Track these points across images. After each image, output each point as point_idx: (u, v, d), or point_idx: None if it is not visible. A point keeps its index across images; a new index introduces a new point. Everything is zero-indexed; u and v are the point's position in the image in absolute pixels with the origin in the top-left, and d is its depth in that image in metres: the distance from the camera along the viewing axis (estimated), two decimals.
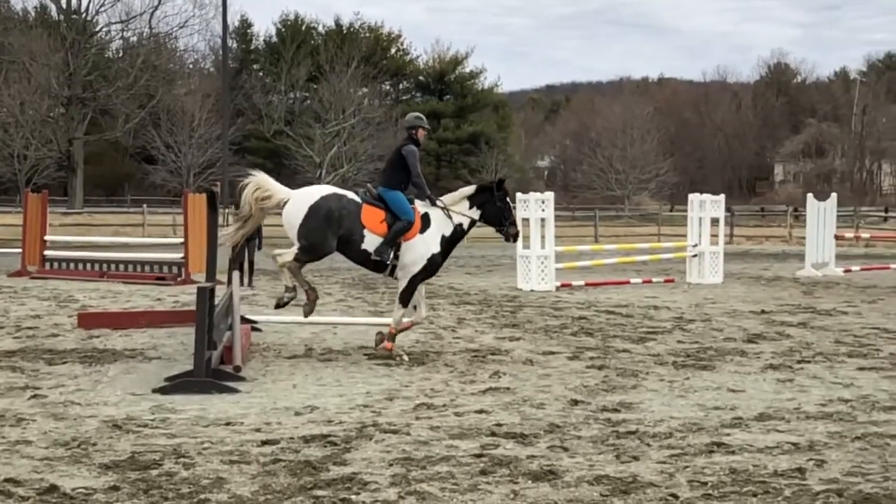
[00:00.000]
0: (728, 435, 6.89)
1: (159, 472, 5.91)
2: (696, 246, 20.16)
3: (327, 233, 10.01)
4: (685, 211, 21.32)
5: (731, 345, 11.21)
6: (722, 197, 21.49)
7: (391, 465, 6.07)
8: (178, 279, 19.08)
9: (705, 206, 20.47)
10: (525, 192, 19.87)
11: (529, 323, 13.21)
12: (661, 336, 11.89)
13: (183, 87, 63.22)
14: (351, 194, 10.45)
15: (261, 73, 72.32)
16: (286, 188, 10.49)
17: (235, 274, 10.25)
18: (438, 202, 10.60)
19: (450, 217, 10.52)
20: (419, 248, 10.34)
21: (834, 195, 23.92)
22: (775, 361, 10.01)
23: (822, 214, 22.61)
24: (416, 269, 10.37)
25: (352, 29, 75.71)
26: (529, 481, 5.75)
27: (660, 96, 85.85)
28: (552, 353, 10.61)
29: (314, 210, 10.00)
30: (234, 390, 8.43)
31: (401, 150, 10.62)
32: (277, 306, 10.44)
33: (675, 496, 5.47)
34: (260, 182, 10.29)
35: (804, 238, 23.74)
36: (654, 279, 20.10)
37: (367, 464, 6.10)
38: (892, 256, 29.83)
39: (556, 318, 13.67)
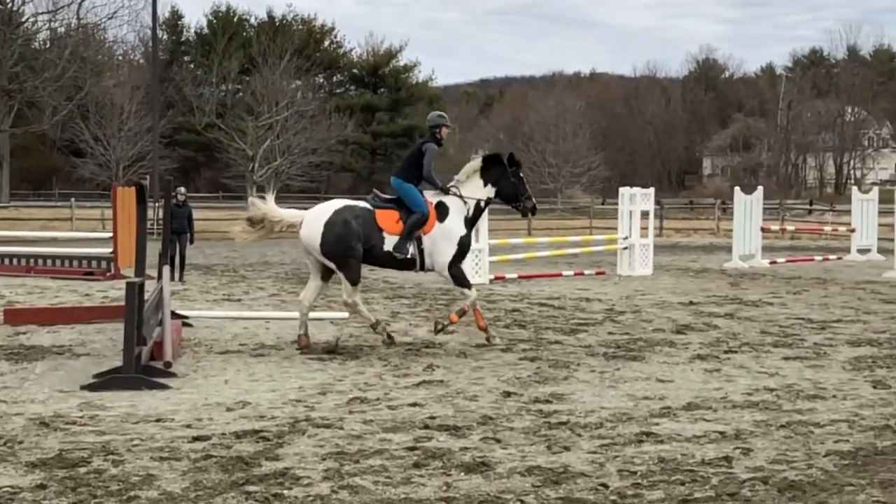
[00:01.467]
0: (657, 425, 7.01)
1: (88, 469, 5.83)
2: (626, 238, 20.43)
3: (351, 240, 10.20)
4: (616, 204, 21.58)
5: (660, 336, 11.39)
6: (651, 190, 21.81)
7: (324, 459, 6.07)
8: (107, 274, 18.76)
9: (636, 200, 20.75)
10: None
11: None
12: (593, 328, 12.04)
13: (112, 79, 62.05)
14: (361, 203, 10.60)
15: (192, 65, 71.41)
16: (296, 211, 10.73)
17: (166, 269, 10.11)
18: (452, 190, 10.71)
19: (466, 203, 10.66)
20: (443, 237, 10.49)
21: (760, 188, 24.40)
22: (703, 352, 10.20)
23: (748, 207, 23.06)
24: (449, 256, 10.52)
25: (284, 21, 75.15)
26: (462, 473, 5.79)
27: (591, 91, 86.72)
28: (485, 345, 10.67)
29: (330, 225, 10.21)
30: (164, 386, 8.34)
31: (422, 146, 10.79)
32: (390, 345, 10.42)
33: (606, 486, 5.55)
34: (267, 210, 10.58)
35: (731, 230, 24.20)
36: (585, 271, 20.31)
37: (300, 458, 6.09)
38: (816, 248, 30.55)
39: (490, 311, 13.73)
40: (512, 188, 10.91)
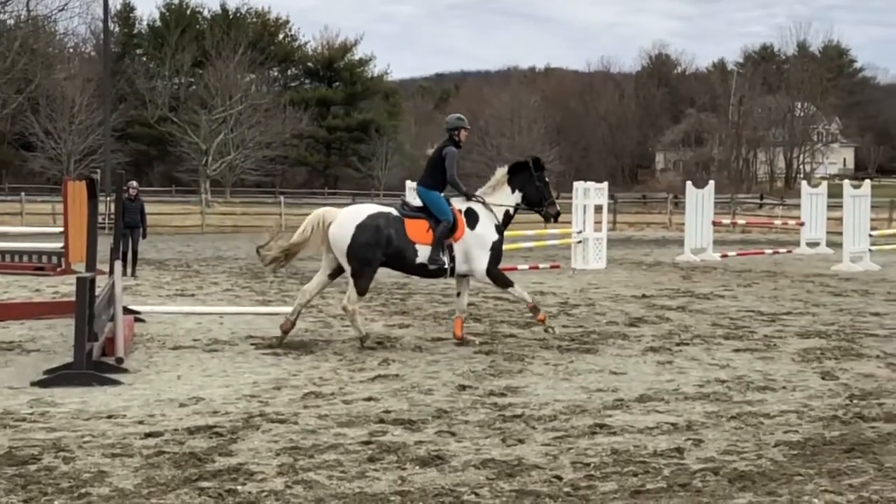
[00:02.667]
0: (610, 416, 7.07)
1: (38, 466, 5.76)
2: (580, 232, 20.56)
3: (376, 250, 10.16)
4: (570, 198, 21.72)
5: (613, 328, 11.49)
6: (605, 185, 21.99)
7: (278, 454, 6.05)
8: (58, 269, 18.50)
9: (589, 194, 20.89)
10: (415, 180, 19.89)
11: (419, 310, 13.29)
12: (547, 321, 12.08)
13: (63, 72, 61.05)
14: (392, 211, 10.51)
15: (144, 58, 70.57)
16: (326, 209, 10.66)
17: (117, 264, 10.01)
18: (477, 197, 10.68)
19: (492, 210, 10.64)
20: (475, 244, 10.45)
21: (712, 183, 24.68)
22: (655, 344, 10.31)
23: (700, 201, 23.32)
24: (485, 262, 10.48)
25: (238, 14, 74.55)
26: (417, 467, 5.80)
27: (546, 86, 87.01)
28: (441, 339, 10.70)
29: (362, 229, 10.13)
30: (116, 382, 8.26)
31: (442, 150, 10.70)
32: (363, 343, 10.31)
33: (559, 477, 5.60)
34: (325, 213, 10.48)
35: (684, 224, 24.46)
36: (540, 265, 20.41)
37: (254, 454, 6.06)
38: (766, 242, 30.97)
39: (446, 305, 13.77)
40: (537, 193, 10.91)
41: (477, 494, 5.29)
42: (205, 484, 5.44)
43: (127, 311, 10.39)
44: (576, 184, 21.56)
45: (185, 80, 67.18)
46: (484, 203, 10.66)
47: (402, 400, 7.64)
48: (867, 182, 21.75)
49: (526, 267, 20.00)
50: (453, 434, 6.57)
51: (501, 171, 10.94)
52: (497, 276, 10.64)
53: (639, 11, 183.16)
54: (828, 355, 9.60)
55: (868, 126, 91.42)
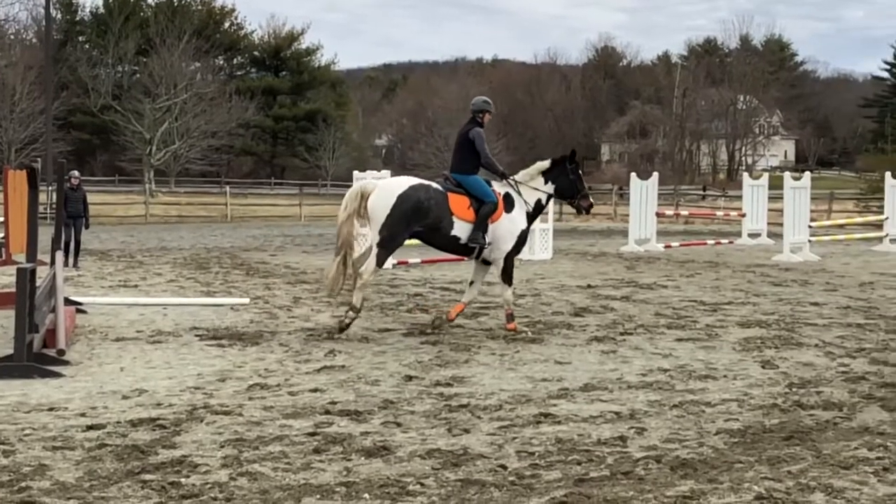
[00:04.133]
0: (555, 406, 7.13)
1: None
2: None
3: (410, 223, 10.14)
4: None
5: (558, 318, 11.58)
6: None
7: (222, 446, 6.01)
8: None
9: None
10: (362, 170, 19.89)
11: (366, 301, 13.22)
12: (493, 311, 12.15)
13: (3, 59, 59.75)
14: (434, 184, 10.49)
15: (87, 46, 69.38)
16: (366, 181, 10.57)
17: (59, 254, 9.87)
18: (512, 181, 10.72)
19: (525, 195, 10.68)
20: (508, 228, 10.50)
21: (656, 174, 24.95)
22: (600, 334, 10.41)
23: (644, 193, 23.57)
24: (509, 246, 10.54)
25: (183, 2, 73.52)
26: (363, 458, 5.80)
27: (494, 77, 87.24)
28: (388, 330, 10.70)
29: (403, 199, 10.08)
30: (57, 374, 8.14)
31: (468, 134, 10.64)
32: (341, 330, 10.23)
33: (504, 467, 5.63)
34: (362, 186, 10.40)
35: (628, 215, 24.70)
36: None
37: (198, 446, 6.02)
38: (708, 233, 31.40)
39: (392, 296, 13.78)
40: (569, 185, 10.94)
41: (422, 485, 5.31)
42: (148, 477, 5.39)
43: (68, 302, 10.26)
44: None
45: (129, 68, 66.23)
46: (517, 187, 10.71)
47: (349, 391, 7.63)
48: (807, 174, 22.13)
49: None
50: (399, 425, 6.58)
51: (543, 163, 10.99)
52: (509, 267, 10.69)
53: (585, 4, 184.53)
54: (768, 344, 9.76)
55: (808, 119, 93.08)
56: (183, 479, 5.35)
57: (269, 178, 72.44)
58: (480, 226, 10.35)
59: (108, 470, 5.51)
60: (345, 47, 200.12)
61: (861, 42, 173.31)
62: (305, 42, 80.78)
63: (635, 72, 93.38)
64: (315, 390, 7.63)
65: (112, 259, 20.40)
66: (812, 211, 22.78)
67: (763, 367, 8.66)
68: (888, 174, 24.06)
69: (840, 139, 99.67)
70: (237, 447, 5.98)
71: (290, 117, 76.37)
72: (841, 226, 28.26)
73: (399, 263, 18.45)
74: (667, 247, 23.52)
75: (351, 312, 10.22)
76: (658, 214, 24.69)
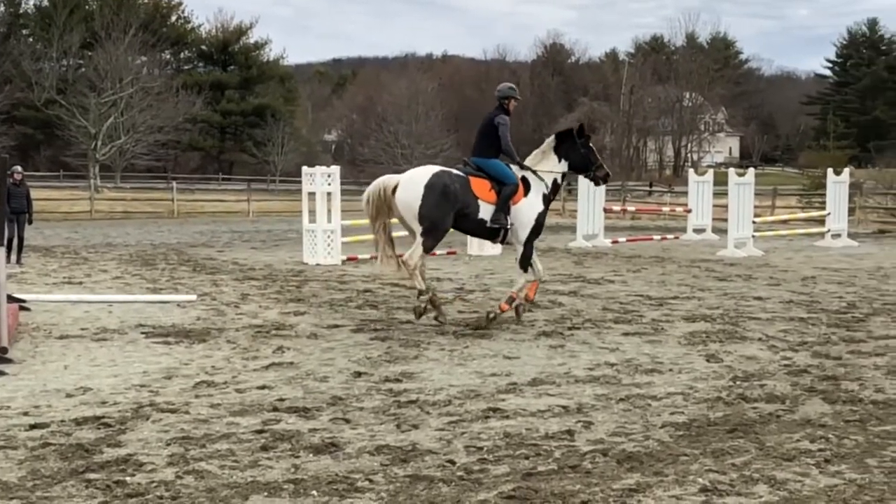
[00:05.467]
0: (503, 400, 7.17)
1: None
2: None
3: (447, 208, 10.21)
4: None
5: (507, 314, 11.61)
6: None
7: (169, 444, 5.96)
8: None
9: None
10: (311, 165, 19.81)
11: (315, 297, 13.21)
12: (443, 307, 12.16)
13: None
14: (454, 170, 10.57)
15: (31, 39, 68.11)
16: (387, 176, 10.63)
17: (1, 251, 9.68)
18: (527, 166, 10.82)
19: (542, 179, 10.80)
20: (527, 210, 10.67)
21: None
22: (548, 328, 10.48)
23: (592, 189, 23.70)
24: (528, 230, 10.68)
25: None
26: (311, 455, 5.78)
27: (443, 73, 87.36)
28: (337, 326, 10.67)
29: (430, 188, 10.16)
30: (0, 373, 8.01)
31: (493, 120, 10.75)
32: (419, 315, 10.39)
33: (453, 462, 5.65)
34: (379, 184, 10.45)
35: (576, 211, 24.86)
36: (437, 252, 20.47)
37: (144, 444, 5.96)
38: (655, 228, 31.73)
39: (342, 292, 13.73)
40: (582, 159, 11.07)
41: (371, 481, 5.31)
42: (92, 476, 5.33)
43: (11, 299, 10.07)
44: None
45: (74, 62, 65.12)
46: (535, 173, 10.83)
47: (297, 388, 7.59)
48: (751, 170, 22.43)
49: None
50: (348, 421, 6.57)
51: (549, 141, 11.13)
52: (528, 252, 10.85)
53: (535, 1, 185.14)
54: (713, 338, 9.89)
55: (752, 116, 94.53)
56: (128, 478, 5.30)
57: (217, 173, 71.78)
58: (503, 206, 10.53)
59: (51, 469, 5.43)
60: (294, 42, 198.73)
61: (804, 40, 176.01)
62: (254, 36, 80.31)
63: (583, 69, 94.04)
64: (263, 387, 7.59)
65: (56, 256, 20.08)
66: (756, 207, 23.13)
67: (708, 360, 8.77)
68: (830, 171, 24.47)
69: (783, 136, 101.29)
70: (183, 445, 5.93)
71: (239, 112, 75.74)
72: (784, 221, 28.72)
73: (349, 260, 18.41)
74: (614, 242, 23.72)
75: (422, 296, 10.43)
76: (605, 210, 24.90)
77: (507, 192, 10.55)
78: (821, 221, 25.23)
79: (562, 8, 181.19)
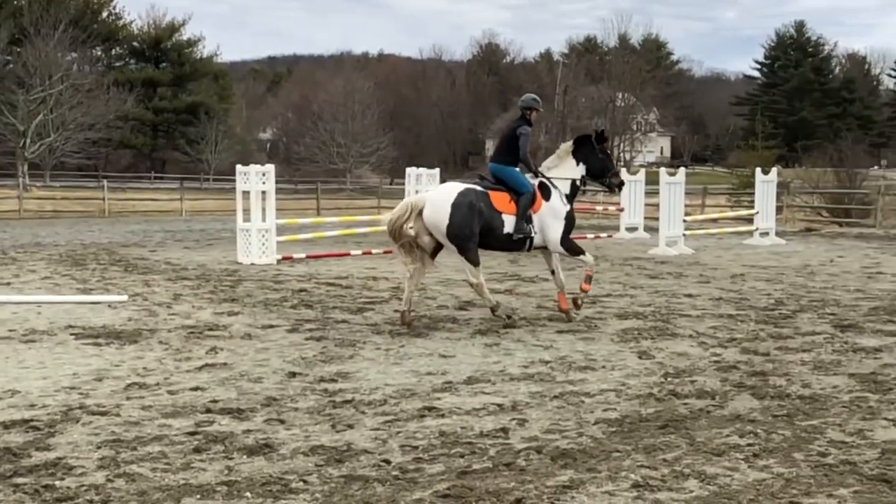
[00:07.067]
0: (439, 399, 7.19)
1: None
2: None
3: (473, 223, 10.35)
4: (404, 184, 21.83)
5: (443, 312, 11.66)
6: (437, 171, 22.23)
7: (99, 447, 5.87)
8: None
9: (422, 180, 21.10)
10: (246, 164, 19.63)
11: (249, 297, 13.10)
12: (379, 306, 12.17)
13: None
14: (475, 186, 10.73)
15: None
16: (415, 196, 10.75)
17: None
18: (543, 174, 10.98)
19: (556, 187, 10.96)
20: (551, 215, 10.81)
21: None
22: (483, 327, 10.53)
23: None
24: (559, 232, 10.85)
25: None
26: (244, 456, 5.74)
27: (379, 72, 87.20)
28: (272, 326, 10.59)
29: (457, 206, 10.33)
30: None
31: (516, 130, 10.96)
32: (510, 326, 10.50)
33: (388, 461, 5.66)
34: (395, 213, 10.54)
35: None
36: (373, 251, 20.45)
37: (73, 448, 5.86)
38: (588, 226, 32.02)
39: (277, 292, 13.63)
40: (599, 164, 11.27)
41: (305, 481, 5.29)
42: (20, 480, 5.23)
43: None
44: (409, 170, 21.75)
45: (2, 58, 63.61)
46: (549, 181, 10.99)
47: (231, 389, 7.53)
48: (682, 170, 22.75)
49: (359, 252, 20.03)
50: (282, 422, 6.54)
51: (566, 145, 11.34)
52: (571, 246, 11.07)
53: (471, 0, 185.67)
54: (644, 335, 10.02)
55: (683, 116, 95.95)
56: (58, 482, 5.21)
57: (149, 171, 70.74)
58: (523, 215, 10.70)
59: None
60: (229, 39, 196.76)
61: (733, 42, 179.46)
62: (187, 33, 79.27)
63: (518, 69, 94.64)
64: (196, 389, 7.51)
65: None
66: (686, 206, 23.45)
67: (640, 357, 8.89)
68: (758, 170, 24.91)
69: (713, 136, 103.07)
70: (114, 448, 5.84)
71: (171, 110, 74.72)
72: (714, 220, 29.21)
73: (284, 259, 18.28)
74: None
75: (497, 311, 10.64)
76: None
77: (524, 202, 10.75)
78: (749, 220, 25.68)
79: (496, 8, 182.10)
